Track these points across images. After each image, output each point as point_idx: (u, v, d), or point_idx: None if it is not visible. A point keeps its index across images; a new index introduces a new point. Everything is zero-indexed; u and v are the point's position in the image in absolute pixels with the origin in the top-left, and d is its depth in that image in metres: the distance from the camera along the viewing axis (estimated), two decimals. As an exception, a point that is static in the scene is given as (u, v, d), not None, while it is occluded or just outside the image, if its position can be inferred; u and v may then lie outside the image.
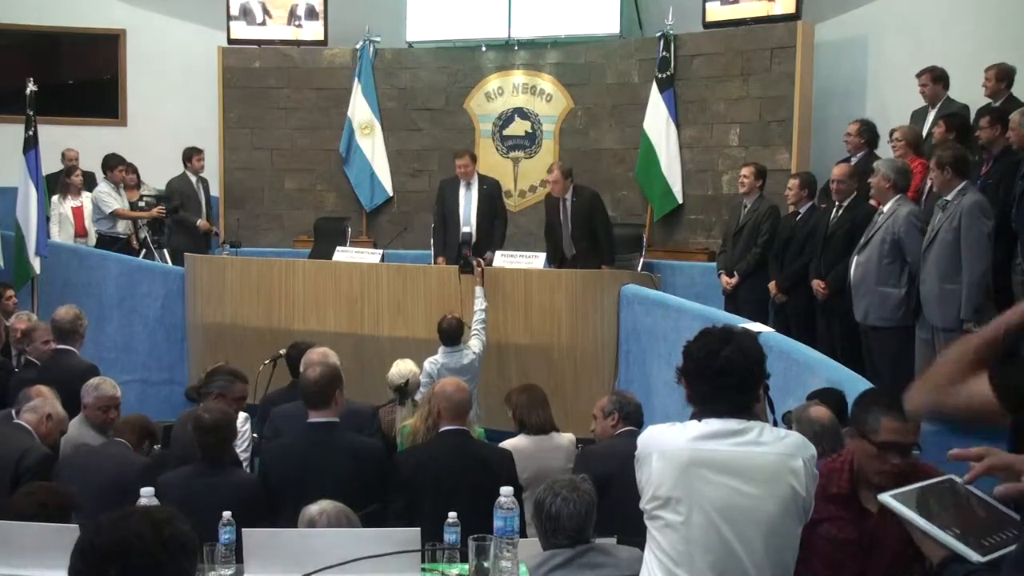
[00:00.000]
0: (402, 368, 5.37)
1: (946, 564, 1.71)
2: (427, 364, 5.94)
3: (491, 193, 7.85)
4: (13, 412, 4.44)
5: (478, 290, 6.56)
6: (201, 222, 8.74)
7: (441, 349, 6.13)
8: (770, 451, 2.35)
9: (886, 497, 1.81)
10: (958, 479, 1.84)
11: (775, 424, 2.52)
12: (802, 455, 2.38)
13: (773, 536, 2.31)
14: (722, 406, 2.39)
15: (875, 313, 5.43)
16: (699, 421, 2.40)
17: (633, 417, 4.26)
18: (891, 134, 6.33)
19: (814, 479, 2.40)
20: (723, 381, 2.38)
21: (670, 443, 2.37)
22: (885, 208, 5.47)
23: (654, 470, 2.35)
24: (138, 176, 9.01)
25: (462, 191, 7.79)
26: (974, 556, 1.66)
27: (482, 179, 7.90)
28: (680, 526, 2.31)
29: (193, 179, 8.81)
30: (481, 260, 6.84)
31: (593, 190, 7.83)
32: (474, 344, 6.25)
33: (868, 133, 6.66)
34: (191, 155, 8.80)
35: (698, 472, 2.31)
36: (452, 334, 6.10)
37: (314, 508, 3.14)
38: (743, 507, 2.30)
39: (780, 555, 2.33)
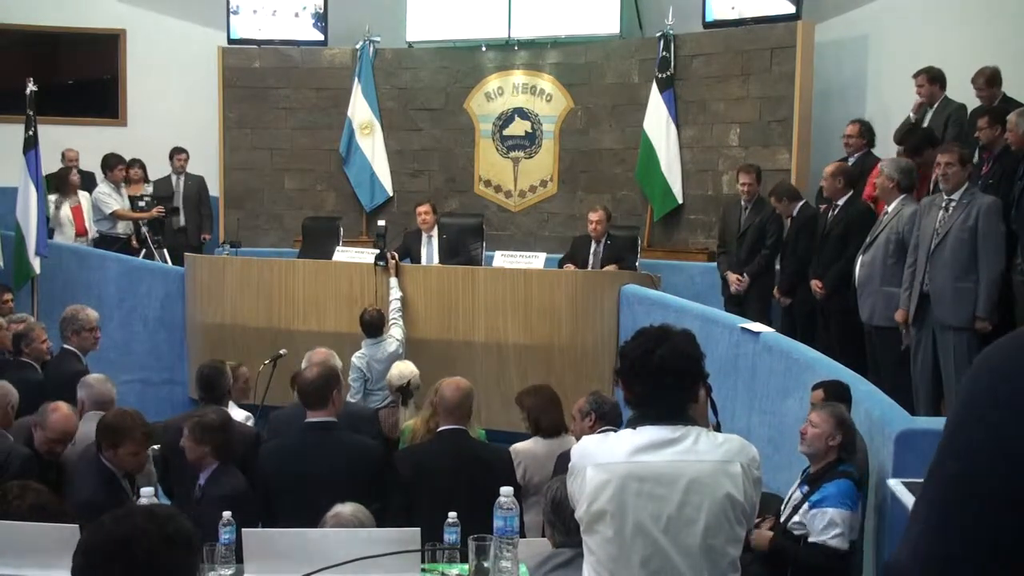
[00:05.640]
0: (403, 369, 5.39)
1: None
2: (355, 359, 6.25)
3: (451, 241, 7.73)
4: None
5: (392, 281, 6.99)
6: None
7: (365, 342, 6.41)
8: (706, 459, 2.32)
9: None
10: None
11: (718, 427, 2.48)
12: (740, 460, 2.35)
13: (712, 540, 2.30)
14: (657, 409, 2.37)
15: (880, 313, 5.44)
16: (633, 430, 2.37)
17: (610, 417, 4.17)
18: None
19: (756, 482, 2.37)
20: (660, 381, 2.35)
21: (604, 457, 2.34)
22: (890, 208, 5.47)
23: (588, 484, 2.32)
24: (144, 171, 9.01)
25: (423, 243, 7.70)
26: None
27: (441, 229, 7.78)
28: (615, 538, 2.29)
29: None
30: (395, 253, 7.20)
31: (631, 235, 7.94)
32: (395, 332, 6.62)
33: (868, 133, 6.67)
34: None
35: (633, 487, 2.29)
36: (374, 326, 6.44)
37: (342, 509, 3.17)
38: (679, 517, 2.29)
39: (720, 559, 2.32)
